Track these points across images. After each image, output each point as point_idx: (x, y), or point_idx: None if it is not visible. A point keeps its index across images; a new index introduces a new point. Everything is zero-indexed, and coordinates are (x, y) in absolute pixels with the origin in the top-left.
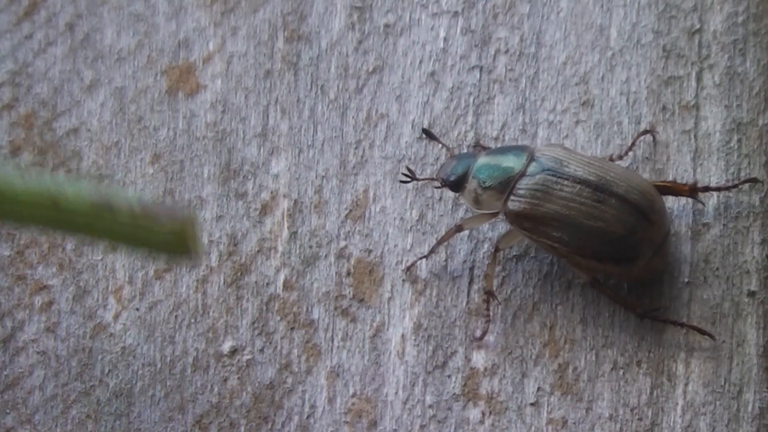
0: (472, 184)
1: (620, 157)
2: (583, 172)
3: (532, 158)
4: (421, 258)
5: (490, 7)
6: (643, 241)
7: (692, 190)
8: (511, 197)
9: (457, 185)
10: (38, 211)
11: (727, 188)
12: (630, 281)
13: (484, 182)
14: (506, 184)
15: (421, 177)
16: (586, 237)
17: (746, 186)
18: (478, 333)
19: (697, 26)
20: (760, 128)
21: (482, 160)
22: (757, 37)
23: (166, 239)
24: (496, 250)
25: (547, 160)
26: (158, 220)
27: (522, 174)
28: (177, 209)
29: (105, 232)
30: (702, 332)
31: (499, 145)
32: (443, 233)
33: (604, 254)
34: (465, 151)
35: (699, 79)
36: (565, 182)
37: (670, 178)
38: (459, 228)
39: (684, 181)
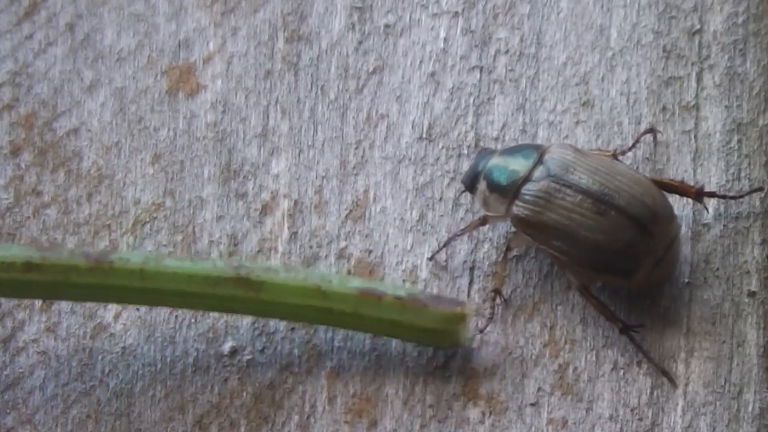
0: (482, 186)
1: (623, 153)
2: (587, 180)
3: (540, 161)
4: (440, 249)
5: (490, 7)
6: (642, 254)
7: (698, 194)
8: (516, 202)
9: (471, 187)
10: (306, 301)
11: (733, 198)
12: (634, 290)
13: (491, 185)
14: (511, 189)
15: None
16: (584, 248)
17: (746, 186)
18: (480, 325)
19: (698, 27)
20: (760, 129)
21: (493, 161)
22: (758, 37)
23: (436, 328)
24: (508, 249)
25: (555, 164)
26: (427, 309)
27: (527, 179)
28: (448, 299)
29: (371, 321)
30: (665, 374)
31: (505, 145)
32: (462, 228)
33: (601, 266)
34: (481, 148)
35: (699, 79)
36: (568, 191)
37: (666, 178)
38: (483, 221)
39: (692, 183)
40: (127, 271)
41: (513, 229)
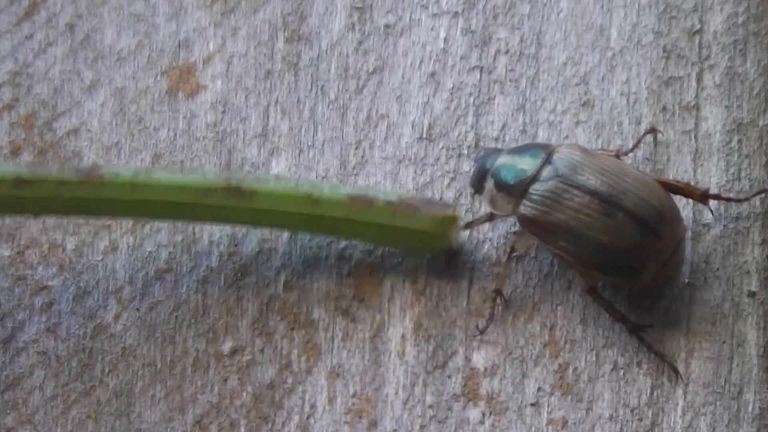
0: (489, 184)
1: (625, 154)
2: (594, 181)
3: (547, 161)
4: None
5: (490, 7)
6: (648, 255)
7: (703, 197)
8: (524, 201)
9: (479, 187)
10: (297, 208)
11: (738, 200)
12: (639, 290)
13: (499, 184)
14: (519, 188)
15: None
16: (590, 249)
17: (747, 186)
18: (480, 326)
19: (698, 27)
20: (760, 129)
21: (501, 160)
22: (758, 37)
23: (427, 230)
24: (512, 250)
25: (562, 164)
26: (418, 212)
27: (535, 178)
28: (438, 203)
29: (363, 227)
30: (675, 371)
31: (505, 145)
32: (476, 217)
33: (607, 267)
34: (486, 148)
35: (699, 79)
36: (575, 192)
37: (671, 179)
38: (490, 217)
39: (697, 186)
40: (117, 184)
41: (514, 229)
